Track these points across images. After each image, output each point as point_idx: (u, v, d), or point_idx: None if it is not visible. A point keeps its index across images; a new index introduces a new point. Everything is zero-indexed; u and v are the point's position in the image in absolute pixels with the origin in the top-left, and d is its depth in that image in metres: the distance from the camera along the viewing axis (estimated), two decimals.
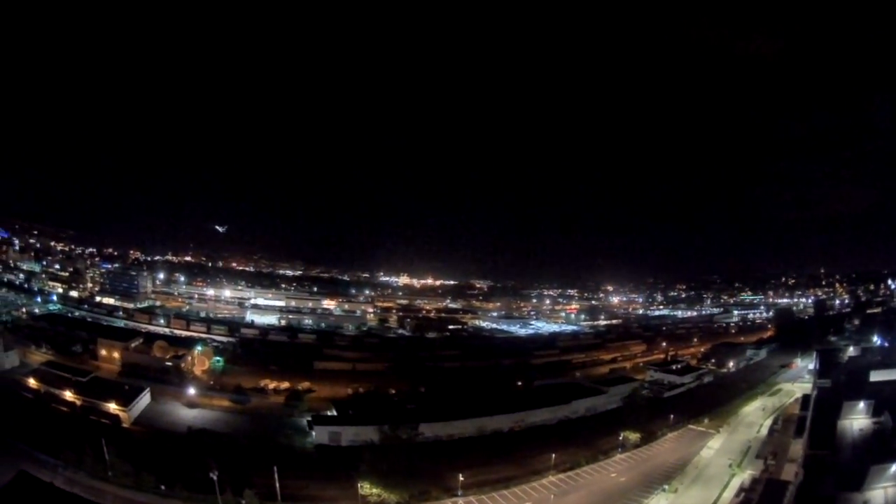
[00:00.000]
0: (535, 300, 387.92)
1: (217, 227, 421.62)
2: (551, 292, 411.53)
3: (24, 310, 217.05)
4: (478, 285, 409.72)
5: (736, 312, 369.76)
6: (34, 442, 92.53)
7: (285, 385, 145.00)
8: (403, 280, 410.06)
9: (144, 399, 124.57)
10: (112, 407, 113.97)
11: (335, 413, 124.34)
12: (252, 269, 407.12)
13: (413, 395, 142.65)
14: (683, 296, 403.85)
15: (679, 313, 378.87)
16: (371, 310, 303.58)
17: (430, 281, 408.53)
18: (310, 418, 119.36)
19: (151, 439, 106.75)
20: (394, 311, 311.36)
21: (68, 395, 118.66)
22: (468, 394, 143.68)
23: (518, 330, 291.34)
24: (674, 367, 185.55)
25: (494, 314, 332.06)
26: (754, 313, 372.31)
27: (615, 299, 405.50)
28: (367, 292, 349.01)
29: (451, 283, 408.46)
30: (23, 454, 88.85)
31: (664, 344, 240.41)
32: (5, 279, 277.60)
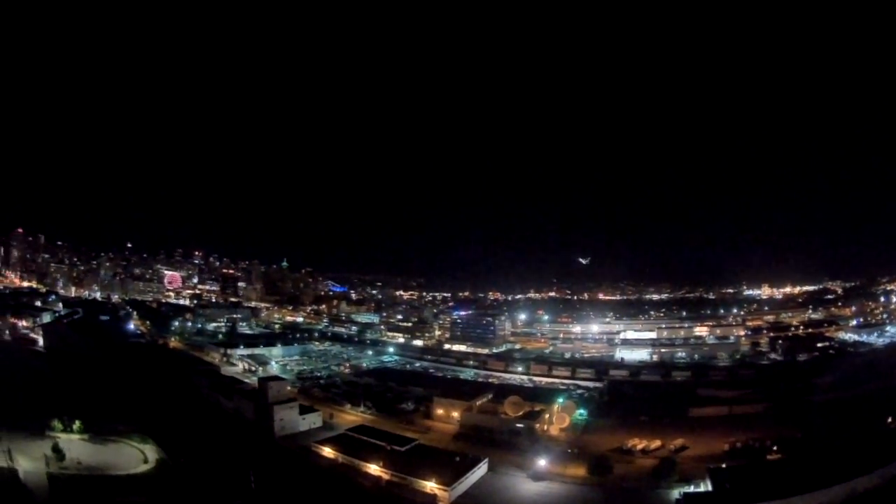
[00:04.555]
0: (882, 299, 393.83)
1: (580, 260, 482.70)
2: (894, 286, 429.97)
3: (348, 364, 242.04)
4: (831, 287, 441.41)
5: None
6: None
7: (655, 444, 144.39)
8: (766, 291, 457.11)
9: (479, 471, 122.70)
10: (429, 484, 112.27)
11: (710, 486, 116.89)
12: (619, 297, 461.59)
13: (793, 446, 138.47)
14: None
15: None
16: (742, 332, 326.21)
17: (788, 289, 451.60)
18: (679, 496, 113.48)
19: None
20: (764, 330, 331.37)
21: (374, 467, 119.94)
22: (842, 439, 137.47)
23: (876, 340, 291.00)
24: None
25: (853, 322, 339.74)
26: None
27: None
28: (734, 311, 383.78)
29: (810, 288, 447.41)
30: None
31: None
32: (329, 332, 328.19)
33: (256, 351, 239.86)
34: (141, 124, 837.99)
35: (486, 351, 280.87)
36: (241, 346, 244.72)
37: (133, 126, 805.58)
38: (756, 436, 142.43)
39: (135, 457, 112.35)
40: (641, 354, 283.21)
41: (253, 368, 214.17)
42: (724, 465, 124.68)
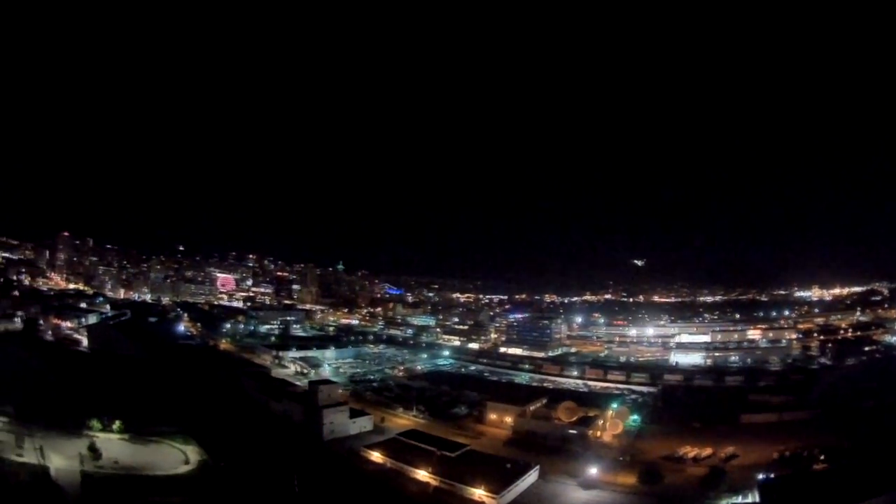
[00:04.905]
0: None
1: (636, 262, 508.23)
2: None
3: (402, 367, 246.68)
4: (877, 289, 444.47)
5: None
6: None
7: (707, 452, 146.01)
8: (816, 293, 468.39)
9: (528, 479, 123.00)
10: (478, 491, 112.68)
11: (758, 497, 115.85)
12: (673, 299, 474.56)
13: (840, 455, 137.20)
14: None
15: None
16: (794, 335, 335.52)
17: (837, 290, 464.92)
18: None
19: None
20: (814, 333, 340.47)
21: (422, 473, 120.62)
22: (887, 447, 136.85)
23: None
24: None
25: None
26: None
27: None
28: (786, 313, 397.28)
29: (857, 289, 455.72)
30: None
31: None
32: (384, 335, 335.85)
33: (309, 353, 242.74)
34: (199, 131, 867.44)
35: (541, 354, 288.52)
36: (294, 349, 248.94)
37: (191, 133, 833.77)
38: (804, 444, 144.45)
39: (176, 458, 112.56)
40: (695, 358, 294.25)
41: (305, 371, 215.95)
42: (772, 475, 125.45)
